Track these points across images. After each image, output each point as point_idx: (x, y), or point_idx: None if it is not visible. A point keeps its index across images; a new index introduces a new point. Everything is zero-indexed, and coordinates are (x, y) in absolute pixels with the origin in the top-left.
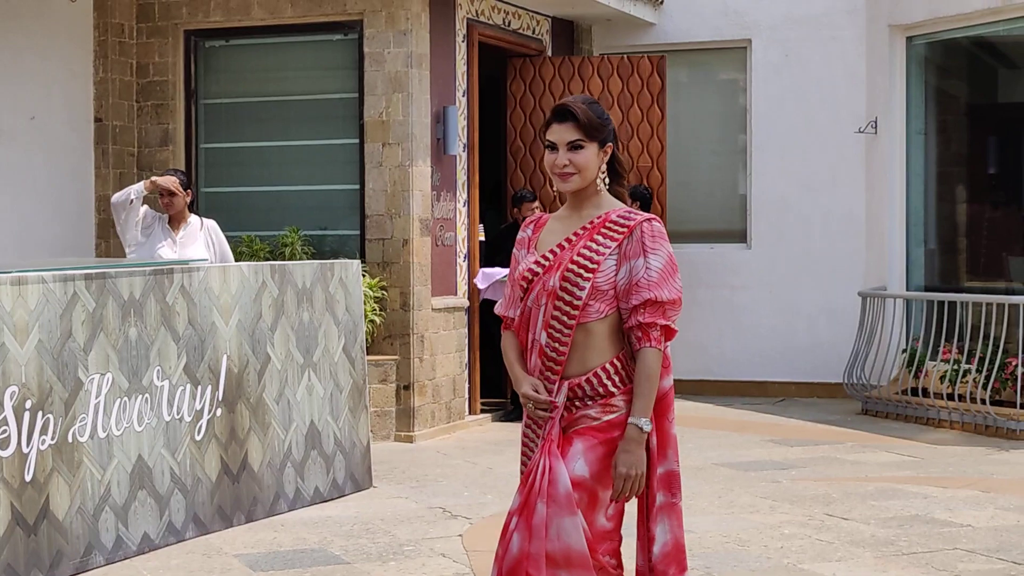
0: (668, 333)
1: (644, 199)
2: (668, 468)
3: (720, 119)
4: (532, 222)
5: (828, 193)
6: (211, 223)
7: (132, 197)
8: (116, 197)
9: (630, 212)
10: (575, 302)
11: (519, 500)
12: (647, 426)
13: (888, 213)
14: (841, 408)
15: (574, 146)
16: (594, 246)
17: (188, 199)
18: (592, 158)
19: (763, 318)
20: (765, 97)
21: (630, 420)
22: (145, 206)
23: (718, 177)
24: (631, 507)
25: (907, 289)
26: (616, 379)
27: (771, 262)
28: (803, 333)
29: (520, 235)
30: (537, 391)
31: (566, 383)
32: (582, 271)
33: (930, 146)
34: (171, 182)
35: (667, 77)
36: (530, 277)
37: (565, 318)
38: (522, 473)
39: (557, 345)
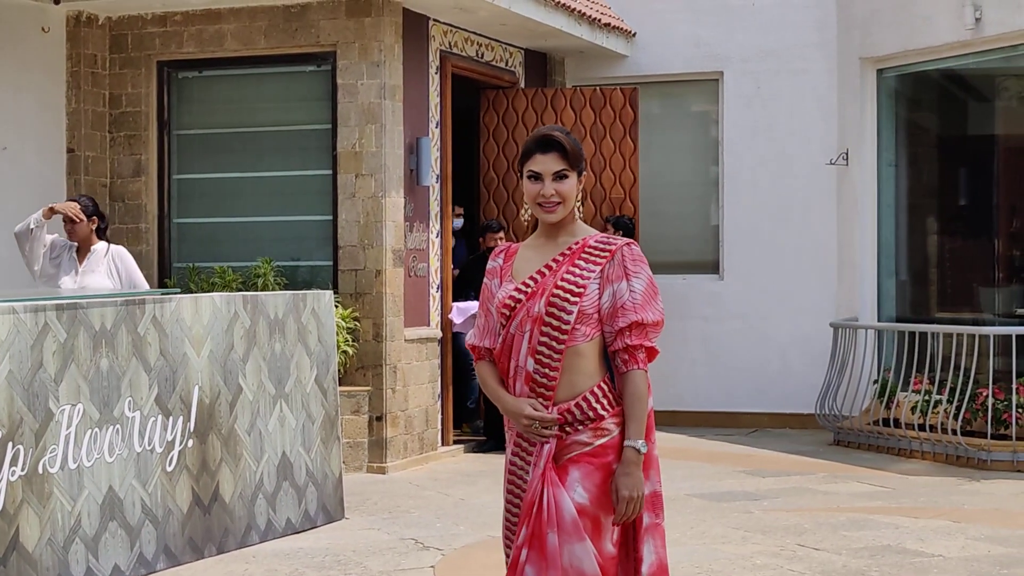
0: (651, 354)
1: (627, 229)
2: (652, 489)
3: (692, 151)
4: (502, 251)
5: (800, 225)
6: (118, 250)
7: (32, 226)
8: (18, 227)
9: (608, 238)
10: (563, 327)
11: (526, 532)
12: (643, 448)
13: (859, 244)
14: (813, 439)
15: (559, 176)
16: (577, 271)
17: (94, 226)
18: (574, 187)
19: (735, 349)
20: (737, 129)
21: (627, 443)
22: (55, 235)
23: (690, 208)
24: None
25: (878, 320)
26: (604, 402)
27: (743, 293)
28: (775, 364)
29: (491, 265)
30: (537, 410)
31: (555, 408)
32: (568, 296)
33: (901, 178)
34: (70, 208)
35: (639, 109)
36: (512, 304)
37: (554, 343)
38: (509, 503)
39: (547, 371)
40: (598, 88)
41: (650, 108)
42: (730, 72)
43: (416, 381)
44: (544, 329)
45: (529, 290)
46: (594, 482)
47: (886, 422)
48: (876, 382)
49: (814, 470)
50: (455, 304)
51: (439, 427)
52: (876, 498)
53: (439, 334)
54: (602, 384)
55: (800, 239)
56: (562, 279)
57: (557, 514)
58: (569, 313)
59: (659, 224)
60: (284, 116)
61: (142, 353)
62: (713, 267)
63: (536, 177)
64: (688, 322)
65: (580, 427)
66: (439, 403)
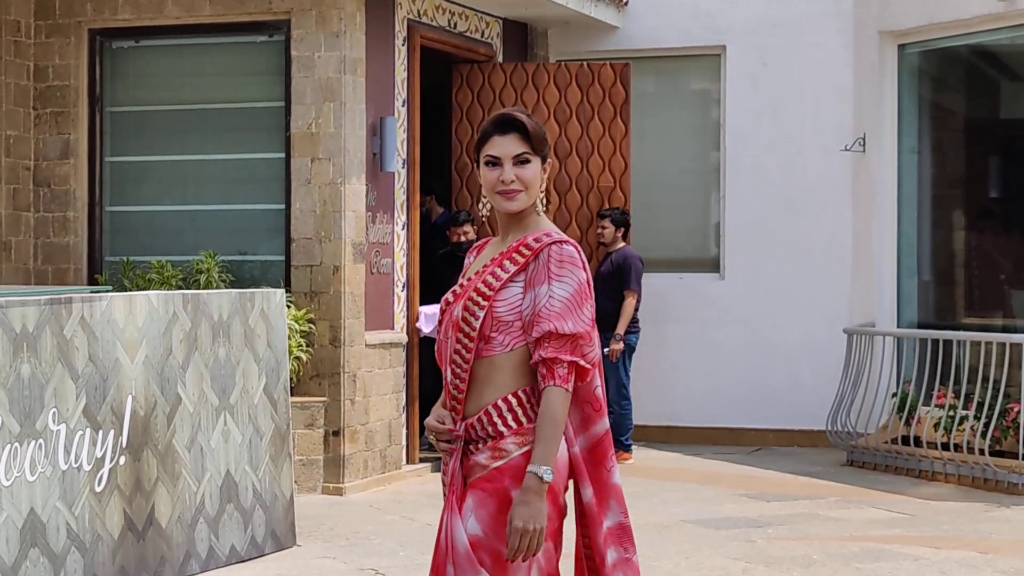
0: (581, 373)
1: (627, 225)
2: (616, 521)
3: (691, 134)
4: (477, 248)
5: (811, 218)
6: None
7: None
8: None
9: (546, 235)
10: (472, 333)
11: (432, 560)
12: (548, 475)
13: (877, 241)
14: (824, 458)
15: (520, 160)
16: (499, 272)
17: None
18: (538, 173)
19: (738, 357)
20: (741, 110)
21: (529, 468)
22: None
23: (688, 199)
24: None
25: (898, 326)
26: (509, 417)
27: (747, 294)
28: (782, 374)
29: (465, 262)
30: (443, 422)
31: (463, 423)
32: (480, 299)
33: (924, 166)
34: None
35: (632, 87)
36: (444, 308)
37: (464, 351)
38: None
39: (458, 382)
40: (585, 63)
41: (643, 86)
42: (733, 47)
43: (378, 391)
44: (459, 336)
45: (458, 293)
46: (488, 511)
47: (905, 440)
48: (895, 395)
49: (824, 494)
50: (422, 310)
51: (404, 443)
52: (894, 526)
53: (405, 338)
54: (510, 397)
55: (811, 234)
56: (482, 281)
57: (451, 546)
58: (476, 318)
59: (653, 217)
60: (231, 92)
61: (68, 358)
62: (713, 265)
63: (495, 163)
64: (685, 326)
65: (481, 445)
66: (404, 416)
